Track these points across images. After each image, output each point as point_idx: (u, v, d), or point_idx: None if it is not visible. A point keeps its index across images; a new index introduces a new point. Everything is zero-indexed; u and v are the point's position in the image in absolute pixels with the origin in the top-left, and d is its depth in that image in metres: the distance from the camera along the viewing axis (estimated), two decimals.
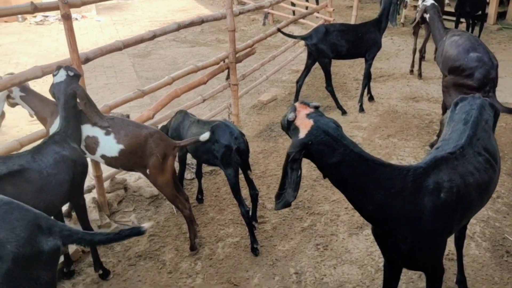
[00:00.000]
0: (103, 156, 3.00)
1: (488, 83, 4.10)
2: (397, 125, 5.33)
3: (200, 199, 3.92)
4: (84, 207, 2.95)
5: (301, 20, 8.75)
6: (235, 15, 5.08)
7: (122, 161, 3.00)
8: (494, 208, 3.78)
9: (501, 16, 9.82)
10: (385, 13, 5.46)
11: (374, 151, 4.73)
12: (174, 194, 3.10)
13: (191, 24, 4.54)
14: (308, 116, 1.97)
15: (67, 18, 3.04)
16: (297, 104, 2.04)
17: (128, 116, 4.67)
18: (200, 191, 3.93)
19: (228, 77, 5.32)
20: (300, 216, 3.70)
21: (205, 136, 3.03)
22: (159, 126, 3.95)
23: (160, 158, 2.93)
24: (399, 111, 5.72)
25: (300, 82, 5.74)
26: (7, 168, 2.40)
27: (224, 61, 5.19)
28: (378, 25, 5.57)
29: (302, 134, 1.95)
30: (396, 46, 8.43)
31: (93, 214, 3.40)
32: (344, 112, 5.66)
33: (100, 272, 3.05)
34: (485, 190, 2.29)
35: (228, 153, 3.17)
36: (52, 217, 2.85)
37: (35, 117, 3.20)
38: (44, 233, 1.86)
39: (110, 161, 3.03)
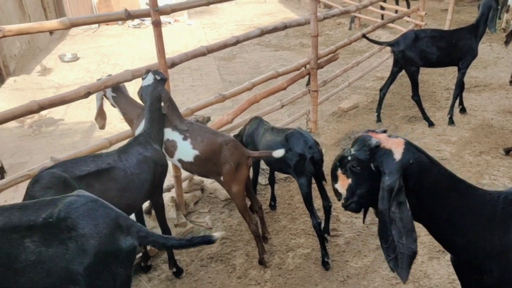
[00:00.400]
0: (180, 160, 3.11)
1: None
2: (491, 141, 4.87)
3: (273, 206, 3.92)
4: (162, 206, 3.09)
5: (390, 25, 8.40)
6: (319, 20, 5.01)
7: (197, 167, 3.08)
8: None
9: None
10: (483, 18, 5.03)
11: (463, 168, 4.38)
12: (244, 205, 3.11)
13: (274, 29, 4.56)
14: (391, 136, 1.79)
15: (157, 25, 3.21)
16: (365, 134, 1.84)
17: (209, 119, 4.84)
18: (273, 197, 3.93)
19: (308, 83, 5.26)
20: (376, 232, 3.53)
21: (279, 153, 2.98)
22: (232, 133, 4.01)
23: (233, 167, 2.96)
24: (494, 126, 5.23)
25: (384, 90, 5.50)
26: (96, 166, 2.59)
27: (305, 67, 5.14)
28: (474, 31, 5.15)
29: (398, 155, 1.71)
30: (495, 54, 7.74)
31: (170, 213, 3.55)
32: (431, 124, 5.31)
33: (174, 270, 3.17)
34: None
35: (302, 162, 3.11)
36: (133, 214, 3.08)
37: None
38: (123, 232, 1.98)
39: (186, 166, 3.14)
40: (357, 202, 1.89)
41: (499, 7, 5.05)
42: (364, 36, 5.56)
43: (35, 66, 9.49)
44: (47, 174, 2.42)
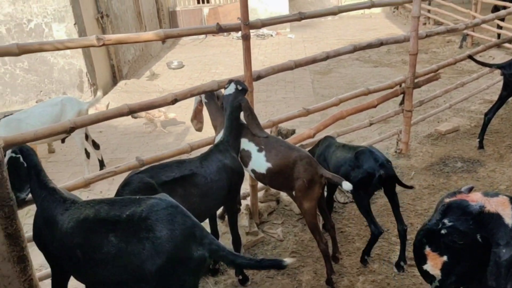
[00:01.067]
0: (253, 171, 3.15)
1: None
2: None
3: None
4: (236, 213, 3.16)
5: (506, 45, 7.66)
6: (421, 38, 4.75)
7: (269, 179, 3.10)
8: None
9: None
10: None
11: None
12: (315, 223, 3.03)
13: (369, 46, 4.42)
14: (484, 195, 1.57)
15: (246, 39, 3.31)
16: (453, 198, 1.60)
17: (293, 132, 4.86)
18: (330, 205, 3.84)
19: (402, 103, 4.99)
20: None
21: (347, 185, 2.87)
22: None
23: (306, 183, 2.92)
24: None
25: (489, 115, 5.00)
26: (180, 172, 2.74)
27: (400, 85, 4.90)
28: None
29: (508, 218, 1.48)
30: None
31: (243, 220, 3.61)
32: None
33: (240, 277, 3.21)
34: None
35: (369, 179, 3.09)
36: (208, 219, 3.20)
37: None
38: (197, 241, 2.04)
39: (259, 176, 3.17)
40: (456, 283, 1.59)
41: None
42: (470, 57, 5.15)
43: (145, 71, 10.40)
44: (136, 179, 2.59)
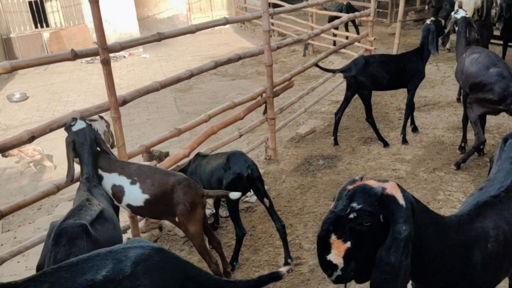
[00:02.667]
0: (129, 205, 3.00)
1: (509, 96, 4.21)
2: (443, 157, 5.04)
3: (215, 228, 3.98)
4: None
5: (342, 50, 8.70)
6: (273, 50, 5.10)
7: (148, 210, 2.99)
8: None
9: None
10: (426, 41, 5.30)
11: (418, 185, 4.49)
12: (203, 246, 3.02)
13: (229, 61, 4.60)
14: (378, 181, 1.66)
15: (106, 63, 3.14)
16: (355, 185, 1.65)
17: (167, 154, 4.75)
18: (216, 220, 4.04)
19: (265, 112, 5.30)
20: None
21: (235, 195, 2.98)
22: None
23: (188, 207, 2.88)
24: (445, 142, 5.44)
25: (339, 114, 5.62)
26: (96, 209, 2.52)
27: (261, 96, 5.19)
28: (420, 54, 5.40)
29: (401, 199, 1.59)
30: (441, 73, 8.13)
31: None
32: (386, 144, 5.45)
33: None
34: None
35: (238, 180, 3.31)
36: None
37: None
38: (193, 281, 1.90)
39: (137, 210, 3.03)
40: (357, 268, 1.65)
41: (439, 29, 5.30)
42: (317, 65, 5.73)
43: None
44: (69, 225, 2.27)
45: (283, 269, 2.14)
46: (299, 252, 3.62)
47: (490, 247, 1.86)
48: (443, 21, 6.36)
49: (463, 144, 5.10)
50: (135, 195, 2.91)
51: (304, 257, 3.57)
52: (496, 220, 1.92)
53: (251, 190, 3.54)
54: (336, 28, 9.65)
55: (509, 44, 7.41)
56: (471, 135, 4.85)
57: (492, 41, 7.65)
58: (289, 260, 3.42)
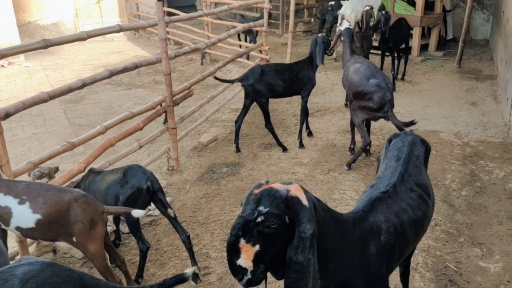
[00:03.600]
0: (18, 228, 2.70)
1: (386, 104, 4.75)
2: (336, 159, 5.42)
3: (117, 245, 3.82)
4: None
5: (239, 59, 8.89)
6: (170, 58, 5.02)
7: (41, 232, 2.72)
8: (433, 236, 3.88)
9: (423, 48, 10.56)
10: (314, 52, 5.66)
11: (316, 186, 4.76)
12: (105, 265, 2.84)
13: (125, 70, 4.42)
14: (283, 184, 1.72)
15: None
16: (262, 189, 1.68)
17: (57, 169, 4.39)
18: (118, 236, 3.88)
19: (165, 121, 5.19)
20: None
21: (138, 212, 2.86)
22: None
23: (87, 225, 2.69)
24: (337, 145, 5.85)
25: (239, 122, 5.73)
26: None
27: (161, 105, 5.07)
28: (311, 63, 5.75)
29: (304, 200, 1.67)
30: (330, 81, 8.74)
31: None
32: (285, 149, 5.69)
33: None
34: (420, 225, 2.32)
35: (138, 193, 3.22)
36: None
37: None
38: None
39: (27, 233, 2.74)
40: (265, 271, 1.70)
41: (324, 41, 5.70)
42: (215, 77, 5.81)
43: None
44: None
45: (189, 271, 2.07)
46: (207, 262, 3.60)
47: (383, 239, 2.04)
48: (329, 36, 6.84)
49: (352, 146, 5.54)
50: (24, 215, 2.64)
51: (212, 266, 3.55)
52: (386, 214, 2.12)
53: (152, 204, 3.45)
54: (239, 37, 9.82)
55: (386, 54, 8.24)
56: (359, 138, 5.28)
57: (372, 51, 8.46)
58: (196, 270, 3.38)
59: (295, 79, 5.63)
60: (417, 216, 2.26)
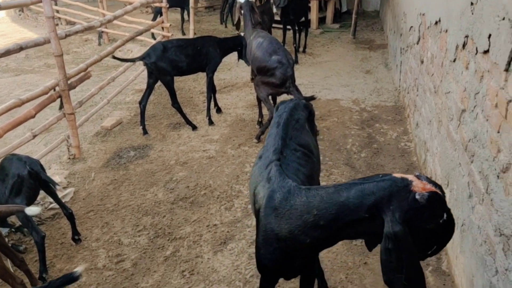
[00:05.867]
0: None
1: (288, 80, 4.88)
2: (246, 133, 5.49)
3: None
4: None
5: (139, 38, 8.48)
6: (60, 38, 4.62)
7: None
8: None
9: (321, 21, 11.00)
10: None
11: (228, 162, 4.78)
12: (2, 267, 2.59)
13: (7, 53, 3.97)
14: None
15: None
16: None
17: None
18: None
19: (61, 107, 4.81)
20: (161, 244, 3.50)
21: (33, 210, 2.61)
22: None
23: None
24: (246, 119, 5.92)
25: (143, 103, 5.51)
26: None
27: (54, 90, 4.68)
28: (217, 41, 5.71)
29: None
30: (236, 56, 8.72)
31: None
32: (194, 127, 5.62)
33: None
34: (311, 179, 2.40)
35: (21, 181, 3.08)
36: None
37: None
38: None
39: None
40: None
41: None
42: (114, 57, 5.48)
43: None
44: None
45: (79, 269, 1.94)
46: (120, 249, 3.46)
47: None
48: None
49: (260, 119, 5.64)
50: None
51: (125, 252, 3.43)
52: (291, 177, 2.18)
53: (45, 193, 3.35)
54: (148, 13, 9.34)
55: (288, 27, 8.43)
56: (266, 110, 5.38)
57: (274, 25, 8.60)
58: (76, 237, 3.51)
59: (199, 54, 5.53)
60: (308, 172, 2.34)
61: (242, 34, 5.86)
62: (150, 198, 4.12)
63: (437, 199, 1.55)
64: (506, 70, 2.21)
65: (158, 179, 4.46)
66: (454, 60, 3.33)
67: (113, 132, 5.64)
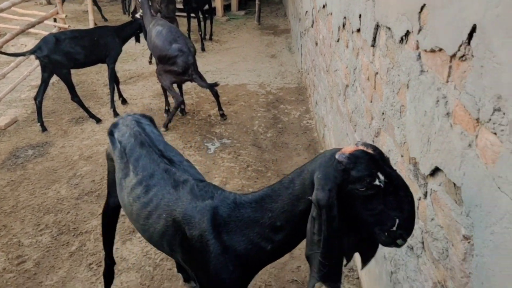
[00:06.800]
0: None
1: (190, 68, 4.94)
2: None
3: None
4: None
5: (33, 30, 7.92)
6: None
7: None
8: (246, 176, 4.29)
9: (227, 8, 11.09)
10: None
11: None
12: None
13: None
14: None
15: None
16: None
17: None
18: None
19: None
20: (66, 241, 3.40)
21: None
22: None
23: None
24: (153, 109, 5.85)
25: (39, 98, 5.21)
26: None
27: None
28: (118, 31, 5.55)
29: None
30: (141, 46, 8.49)
31: None
32: (98, 121, 5.45)
33: None
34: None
35: None
36: None
37: None
38: None
39: None
40: None
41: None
42: (1, 52, 5.10)
43: None
44: None
45: None
46: (20, 250, 3.30)
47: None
48: None
49: (167, 108, 5.62)
50: None
51: (26, 253, 3.28)
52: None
53: None
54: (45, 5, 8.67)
55: (192, 15, 8.41)
56: (172, 98, 5.37)
57: (178, 13, 8.52)
58: None
59: (97, 46, 5.34)
60: (202, 179, 2.07)
61: (137, 15, 5.74)
62: (52, 196, 3.96)
63: (361, 158, 1.37)
64: (373, 45, 2.46)
65: (61, 176, 4.29)
66: (338, 40, 3.61)
67: (7, 132, 5.27)
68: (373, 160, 1.38)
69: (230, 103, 5.97)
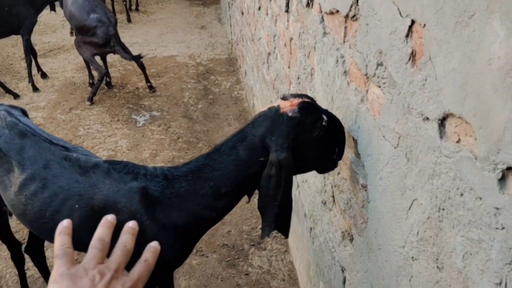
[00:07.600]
0: None
1: (111, 39, 4.77)
2: (78, 97, 5.21)
3: None
4: None
5: None
6: None
7: None
8: (176, 148, 4.28)
9: None
10: None
11: (58, 127, 4.53)
12: None
13: None
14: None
15: None
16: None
17: None
18: None
19: None
20: None
21: None
22: None
23: None
24: (76, 82, 5.60)
25: None
26: None
27: None
28: (30, 0, 5.16)
29: None
30: (60, 17, 8.00)
31: None
32: (16, 96, 5.13)
33: None
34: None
35: None
36: None
37: None
38: None
39: None
40: None
41: None
42: None
43: None
44: None
45: None
46: None
47: None
48: None
49: (91, 81, 5.40)
50: None
51: None
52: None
53: None
54: None
55: None
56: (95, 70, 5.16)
57: None
58: None
59: (8, 16, 4.96)
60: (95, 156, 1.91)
61: None
62: None
63: (308, 107, 1.48)
64: (286, 11, 2.52)
65: None
66: (259, 8, 3.64)
67: None
68: (314, 106, 1.51)
69: (159, 75, 5.84)
